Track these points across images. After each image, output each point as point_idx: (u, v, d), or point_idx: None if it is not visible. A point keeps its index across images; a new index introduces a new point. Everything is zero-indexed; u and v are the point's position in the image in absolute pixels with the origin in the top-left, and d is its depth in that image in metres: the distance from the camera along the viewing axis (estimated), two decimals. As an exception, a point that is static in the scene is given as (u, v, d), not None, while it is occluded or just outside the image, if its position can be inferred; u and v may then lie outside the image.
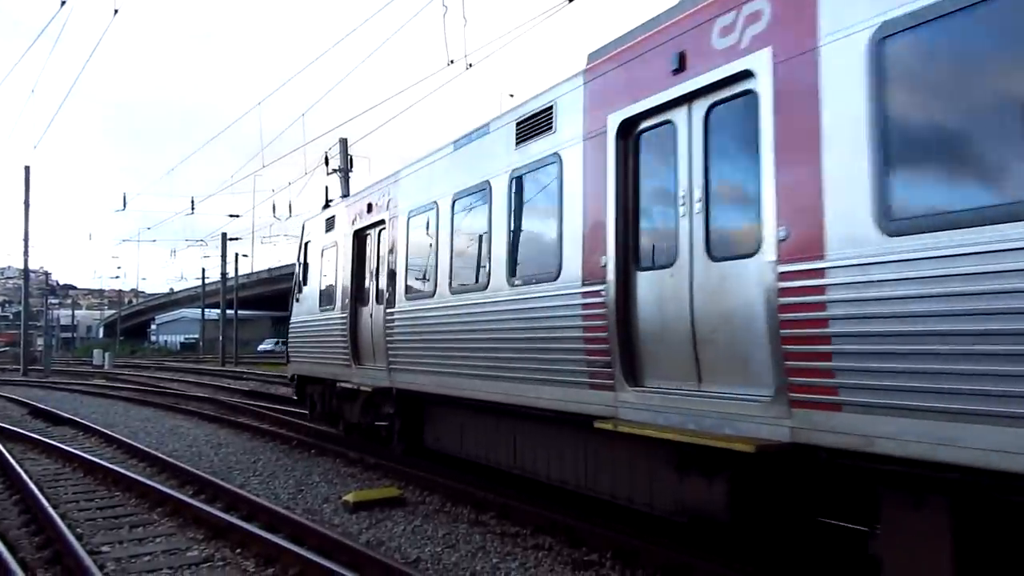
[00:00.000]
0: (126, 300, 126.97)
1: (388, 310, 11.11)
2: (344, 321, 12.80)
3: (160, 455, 12.94)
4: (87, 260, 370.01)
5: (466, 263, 9.31)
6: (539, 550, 7.64)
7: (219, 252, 57.62)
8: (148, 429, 17.60)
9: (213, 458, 13.56)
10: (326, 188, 18.23)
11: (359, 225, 12.63)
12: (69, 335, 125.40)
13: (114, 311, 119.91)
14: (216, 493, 10.12)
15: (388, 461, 11.77)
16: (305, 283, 15.11)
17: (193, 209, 41.34)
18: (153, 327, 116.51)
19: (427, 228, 10.23)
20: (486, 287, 8.66)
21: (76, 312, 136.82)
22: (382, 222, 11.74)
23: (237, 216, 66.15)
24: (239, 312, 63.16)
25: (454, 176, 9.62)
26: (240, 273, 64.86)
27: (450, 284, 9.52)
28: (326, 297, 13.88)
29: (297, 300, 15.44)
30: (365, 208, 12.48)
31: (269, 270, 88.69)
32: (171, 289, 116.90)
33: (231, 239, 58.15)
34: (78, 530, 8.51)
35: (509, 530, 8.36)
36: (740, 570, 6.29)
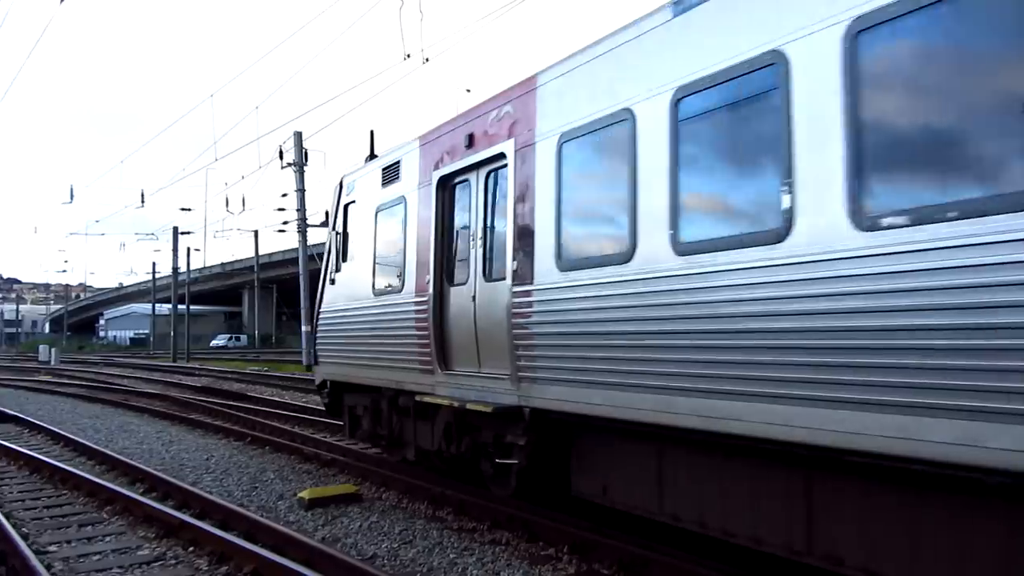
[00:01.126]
0: (74, 295, 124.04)
1: (520, 288, 7.43)
2: (422, 308, 9.03)
3: (109, 452, 12.66)
4: (33, 253, 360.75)
5: (716, 199, 5.78)
6: (496, 545, 7.64)
7: (171, 246, 56.55)
8: (97, 426, 17.22)
9: (164, 455, 13.31)
10: (371, 132, 12.29)
11: (449, 168, 8.86)
12: (13, 330, 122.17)
13: (61, 306, 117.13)
14: (168, 491, 9.93)
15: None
16: (344, 259, 11.25)
17: (143, 202, 40.54)
18: (102, 322, 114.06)
19: (609, 154, 6.57)
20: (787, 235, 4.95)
21: (21, 307, 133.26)
22: (498, 157, 8.10)
23: (189, 210, 65.00)
24: (191, 307, 62.07)
25: (674, 54, 5.91)
26: (192, 268, 63.72)
27: (674, 239, 5.80)
28: (385, 276, 10.11)
29: (332, 283, 11.59)
30: (462, 142, 8.72)
31: (222, 265, 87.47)
32: (120, 284, 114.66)
33: (183, 233, 57.07)
34: (24, 529, 8.29)
35: (466, 525, 8.35)
36: (697, 562, 6.36)
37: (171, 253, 56.30)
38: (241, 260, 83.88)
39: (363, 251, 10.83)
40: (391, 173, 10.24)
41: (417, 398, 9.07)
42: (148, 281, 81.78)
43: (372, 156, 11.75)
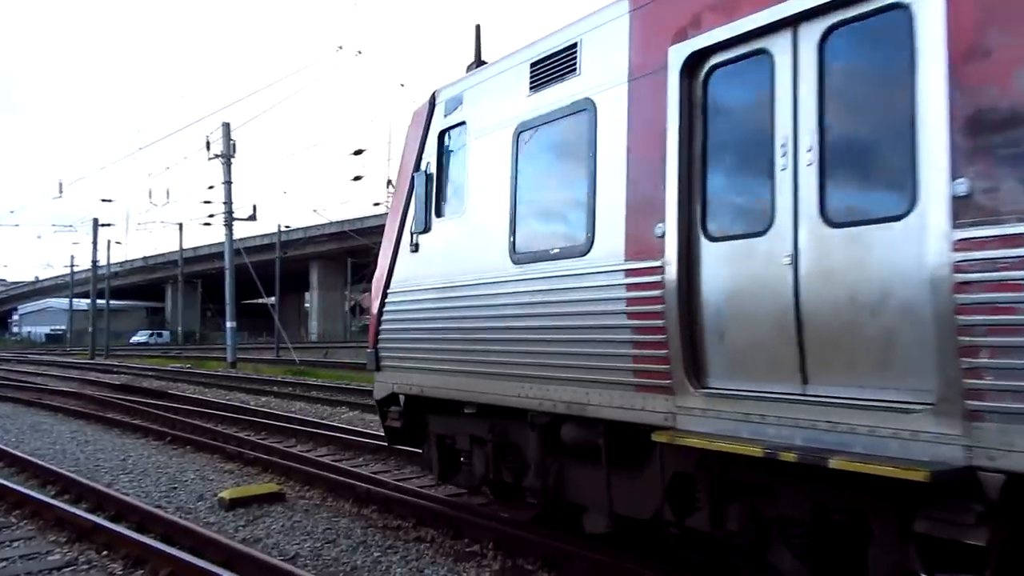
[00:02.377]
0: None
1: (979, 232, 3.90)
2: (643, 281, 5.58)
3: (19, 454, 12.15)
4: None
5: None
6: (421, 542, 7.62)
7: (90, 238, 54.66)
8: (7, 426, 16.53)
9: (79, 456, 12.86)
10: (477, 28, 8.69)
11: (718, 36, 5.20)
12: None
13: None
14: (81, 493, 9.60)
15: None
16: (440, 213, 7.79)
17: (61, 192, 39.07)
18: (15, 318, 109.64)
19: None
20: None
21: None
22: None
23: (110, 201, 62.93)
24: (112, 302, 60.14)
25: None
26: (113, 261, 61.71)
27: None
28: (540, 231, 6.66)
29: (414, 249, 8.00)
30: None
31: (145, 258, 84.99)
32: (36, 277, 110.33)
33: (103, 225, 55.26)
34: (-77, 536, 7.91)
35: (392, 523, 8.30)
36: (622, 557, 6.46)
37: (91, 246, 54.48)
38: (165, 254, 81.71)
39: (483, 197, 7.15)
40: (556, 66, 6.51)
41: (655, 436, 5.30)
42: (66, 275, 78.97)
43: (479, 63, 8.13)
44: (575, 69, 6.34)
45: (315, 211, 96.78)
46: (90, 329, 53.86)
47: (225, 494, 9.33)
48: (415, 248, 8.01)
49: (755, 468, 4.92)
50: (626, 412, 5.69)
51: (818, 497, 4.74)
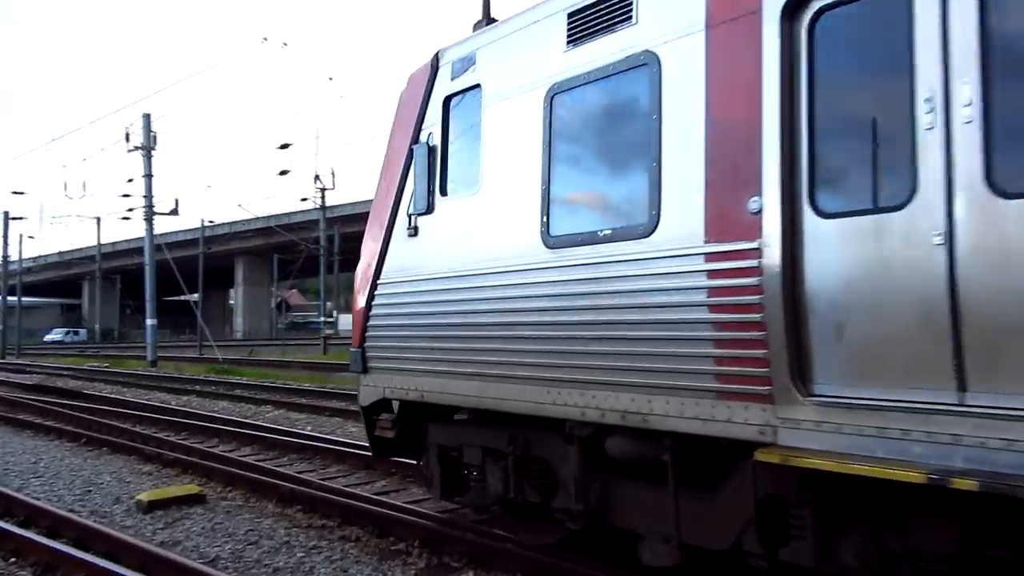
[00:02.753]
0: None
1: None
2: (728, 267, 4.64)
3: (-79, 458, 11.58)
4: None
5: None
6: (347, 541, 7.53)
7: (0, 232, 52.35)
8: (-92, 429, 15.72)
9: (-14, 459, 12.31)
10: None
11: None
12: None
13: None
14: (-12, 498, 9.19)
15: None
16: (444, 192, 6.75)
17: (-32, 185, 37.30)
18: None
19: None
20: None
21: None
22: None
23: (22, 193, 60.43)
24: (24, 299, 57.76)
25: None
26: (25, 256, 59.26)
27: None
28: (582, 209, 5.79)
29: (412, 234, 6.91)
30: None
31: (60, 253, 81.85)
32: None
33: (14, 219, 53.01)
34: None
35: (316, 522, 8.18)
36: (546, 552, 6.50)
37: (1, 240, 52.18)
38: (81, 249, 78.85)
39: (504, 171, 6.17)
40: (604, 15, 5.50)
41: (760, 456, 4.35)
42: (-27, 270, 75.53)
43: (489, 20, 7.49)
44: (630, 17, 5.32)
45: (240, 206, 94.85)
46: (1, 327, 51.63)
47: (143, 496, 9.06)
48: (414, 232, 6.89)
49: (878, 491, 4.12)
50: (704, 424, 4.69)
51: (971, 527, 3.93)
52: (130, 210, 44.25)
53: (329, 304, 57.98)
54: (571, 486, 5.82)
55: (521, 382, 5.83)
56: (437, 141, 6.83)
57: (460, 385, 6.35)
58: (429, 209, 6.78)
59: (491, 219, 6.23)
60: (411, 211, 6.95)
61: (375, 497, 8.61)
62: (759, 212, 4.47)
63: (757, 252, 4.44)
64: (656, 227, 4.97)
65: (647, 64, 5.15)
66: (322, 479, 9.83)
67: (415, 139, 7.02)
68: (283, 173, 45.41)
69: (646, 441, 5.18)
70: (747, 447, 4.50)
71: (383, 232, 7.27)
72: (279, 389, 21.86)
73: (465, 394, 6.35)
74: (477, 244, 6.29)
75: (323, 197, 47.79)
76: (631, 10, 5.32)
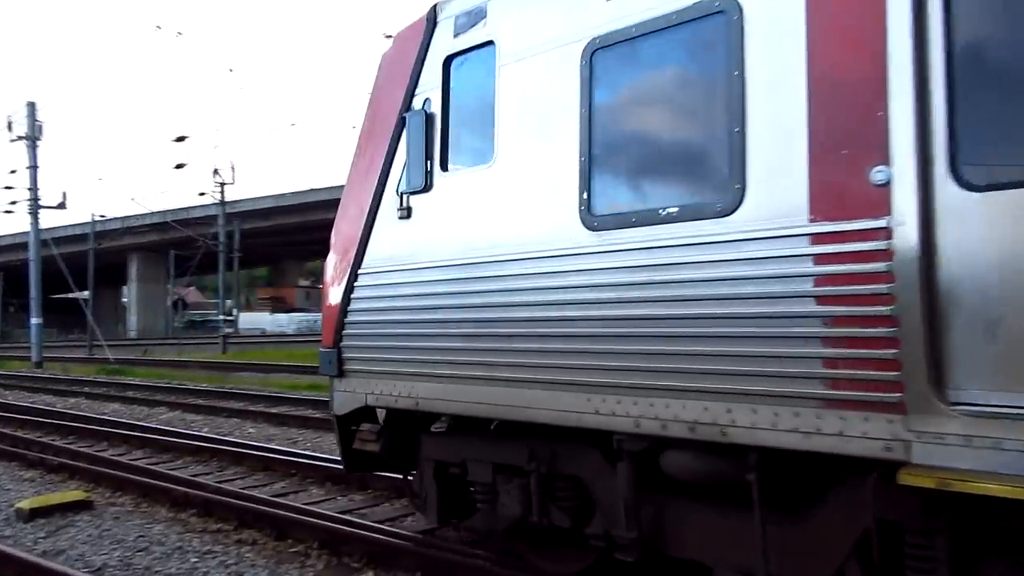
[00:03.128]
0: None
1: None
2: (867, 251, 3.78)
3: None
4: None
5: None
6: (243, 545, 7.33)
7: None
8: None
9: None
10: None
11: None
12: None
13: None
14: None
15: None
16: (445, 166, 5.89)
17: None
18: None
19: None
20: None
21: None
22: None
23: None
24: None
25: None
26: None
27: None
28: (632, 182, 4.95)
29: (404, 216, 6.03)
30: None
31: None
32: None
33: None
34: None
35: (211, 527, 7.93)
36: (449, 550, 6.48)
37: None
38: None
39: (527, 140, 5.31)
40: None
41: (907, 478, 3.62)
42: None
43: None
44: None
45: (134, 200, 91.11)
46: None
47: (24, 504, 8.60)
48: (405, 214, 5.98)
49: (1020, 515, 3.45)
50: (806, 439, 3.92)
51: None
52: (13, 203, 41.93)
53: (229, 302, 56.42)
54: (616, 509, 4.99)
55: (551, 388, 4.94)
56: (436, 108, 5.91)
57: (468, 391, 5.46)
58: (427, 186, 5.88)
59: (509, 197, 5.32)
60: (403, 189, 6.02)
61: (273, 499, 8.42)
62: (887, 184, 3.73)
63: (886, 232, 3.69)
64: (740, 204, 4.17)
65: (724, 12, 4.33)
66: (218, 482, 9.55)
67: (406, 106, 6.09)
68: (179, 167, 44.15)
69: (721, 457, 4.38)
70: (856, 464, 3.87)
71: (364, 215, 6.31)
72: (175, 390, 21.14)
73: (475, 401, 5.42)
74: (491, 227, 5.40)
75: (222, 192, 46.48)
76: None
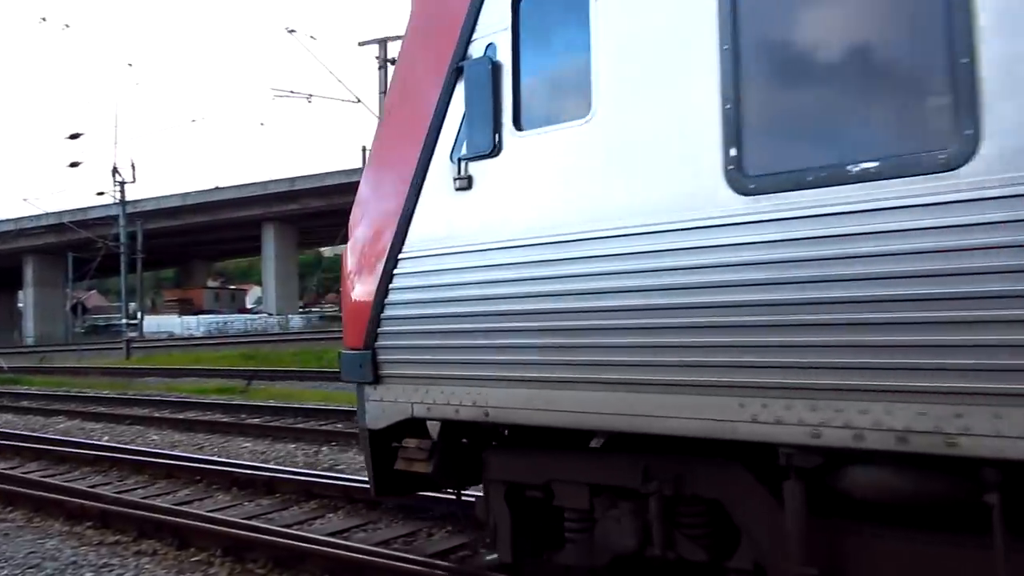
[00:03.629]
0: None
1: None
2: None
3: None
4: None
5: None
6: (142, 556, 7.06)
7: None
8: None
9: None
10: None
11: None
12: None
13: None
14: None
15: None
16: (520, 125, 4.78)
17: None
18: None
19: None
20: None
21: None
22: None
23: None
24: None
25: None
26: None
27: None
28: (841, 136, 3.72)
29: (463, 186, 4.95)
30: None
31: None
32: None
33: None
34: None
35: (109, 539, 7.60)
36: (357, 550, 6.39)
37: None
38: None
39: (643, 88, 4.26)
40: None
41: None
42: None
43: None
44: None
45: (26, 200, 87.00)
46: None
47: (-98, 525, 8.09)
48: (464, 184, 4.95)
49: None
50: None
51: None
52: None
53: (133, 305, 54.45)
54: (774, 538, 4.08)
55: (687, 392, 4.01)
56: (504, 54, 4.84)
57: (563, 398, 4.47)
58: (495, 150, 4.83)
59: (616, 158, 4.34)
60: (463, 155, 4.97)
61: (175, 507, 8.15)
62: None
63: None
64: (972, 155, 3.29)
65: None
66: (117, 492, 9.21)
67: (461, 54, 5.02)
68: (74, 165, 42.41)
69: (939, 474, 3.59)
70: None
71: (404, 189, 5.25)
72: (74, 398, 20.27)
73: (574, 410, 4.44)
74: (592, 196, 4.41)
75: (122, 191, 44.80)
76: None
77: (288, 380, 23.56)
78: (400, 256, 5.23)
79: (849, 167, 3.57)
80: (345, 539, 6.97)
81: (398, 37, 23.52)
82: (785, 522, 3.94)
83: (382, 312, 5.31)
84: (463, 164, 4.96)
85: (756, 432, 3.81)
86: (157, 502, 8.55)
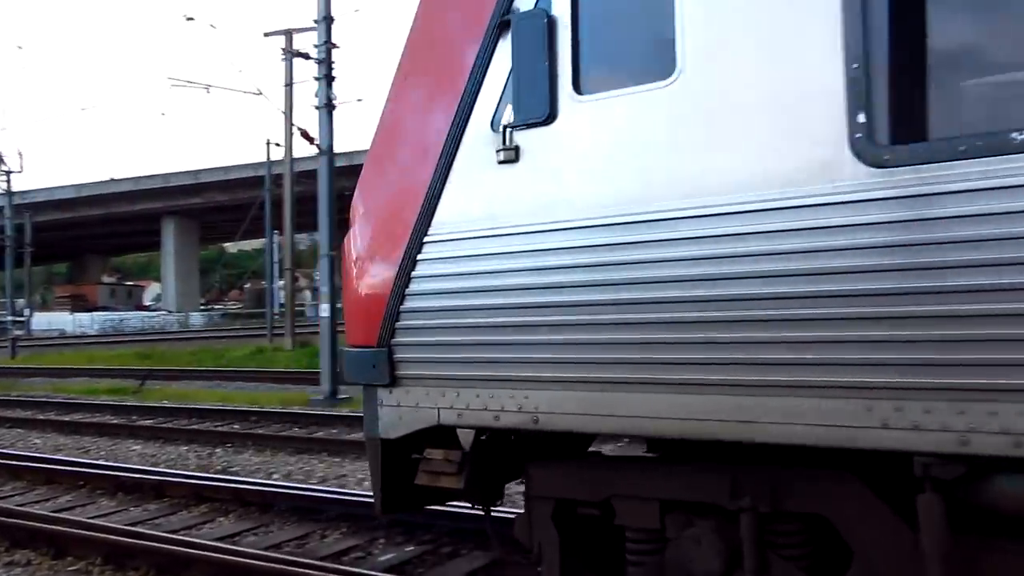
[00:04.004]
0: None
1: None
2: None
3: None
4: None
5: None
6: (14, 568, 6.70)
7: None
8: None
9: None
10: None
11: None
12: None
13: None
14: None
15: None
16: (580, 88, 4.13)
17: None
18: None
19: None
20: None
21: None
22: None
23: None
24: None
25: None
26: None
27: None
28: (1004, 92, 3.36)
29: (508, 158, 4.27)
30: None
31: None
32: None
33: None
34: None
35: (-24, 551, 7.20)
36: (245, 554, 6.24)
37: None
38: None
39: (737, 45, 3.67)
40: None
41: None
42: None
43: None
44: None
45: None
46: None
47: None
48: (511, 156, 4.31)
49: None
50: None
51: None
52: None
53: (21, 301, 51.80)
54: (898, 560, 3.61)
55: (795, 394, 3.51)
56: (560, 6, 4.23)
57: (629, 402, 3.92)
58: (550, 116, 4.23)
59: (710, 125, 3.78)
60: (509, 122, 4.33)
61: (53, 515, 7.75)
62: None
63: None
64: None
65: None
66: (-10, 499, 8.71)
67: (505, 7, 4.40)
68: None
69: None
70: None
71: (430, 162, 4.61)
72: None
73: (645, 415, 3.88)
74: (676, 169, 3.84)
75: (8, 181, 42.61)
76: None
77: (185, 380, 22.80)
78: (426, 240, 4.53)
79: (1013, 136, 3.06)
80: (234, 543, 6.81)
81: (306, 28, 22.99)
82: (916, 541, 3.44)
83: (402, 304, 4.61)
84: (508, 133, 4.31)
85: (887, 439, 3.31)
86: (34, 509, 8.14)
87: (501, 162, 4.31)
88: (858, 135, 3.35)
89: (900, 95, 3.44)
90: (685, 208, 3.73)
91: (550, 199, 4.15)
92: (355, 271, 4.88)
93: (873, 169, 3.32)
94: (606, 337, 3.96)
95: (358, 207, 4.97)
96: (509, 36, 4.32)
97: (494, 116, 4.38)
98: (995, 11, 3.34)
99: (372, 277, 4.79)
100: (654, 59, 3.96)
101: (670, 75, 3.85)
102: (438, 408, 4.52)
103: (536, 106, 4.20)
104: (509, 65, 4.32)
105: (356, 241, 4.90)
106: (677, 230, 3.76)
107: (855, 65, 3.38)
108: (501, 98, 4.38)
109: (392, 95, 4.92)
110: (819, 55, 3.47)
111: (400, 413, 4.64)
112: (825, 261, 3.40)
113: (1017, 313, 3.02)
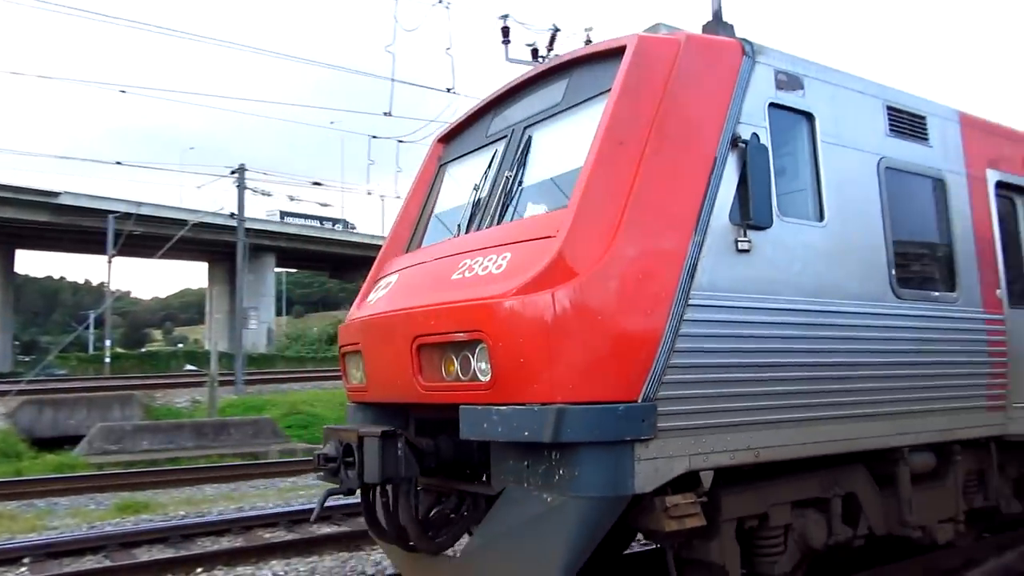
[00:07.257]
0: None
1: None
2: None
3: None
4: None
5: None
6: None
7: None
8: None
9: None
10: None
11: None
12: None
13: None
14: None
15: None
16: (782, 211, 5.80)
17: None
18: None
19: None
20: None
21: None
22: None
23: None
24: None
25: None
26: None
27: None
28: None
29: (743, 249, 5.41)
30: None
31: None
32: None
33: None
34: None
35: None
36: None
37: None
38: None
39: (851, 210, 6.13)
40: (910, 126, 6.88)
41: None
42: None
43: (720, 22, 6.21)
44: (927, 139, 6.93)
45: None
46: None
47: None
48: (747, 247, 5.32)
49: None
50: None
51: None
52: None
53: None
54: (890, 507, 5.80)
55: (879, 418, 5.83)
56: (766, 143, 5.56)
57: (820, 430, 5.63)
58: (769, 225, 5.44)
59: (844, 257, 5.97)
60: (743, 221, 5.34)
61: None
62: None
63: None
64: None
65: (939, 183, 7.08)
66: None
67: (730, 130, 5.45)
68: None
69: None
70: None
71: (684, 234, 5.13)
72: None
73: (827, 439, 5.72)
74: (831, 278, 5.83)
75: None
76: (926, 134, 6.99)
77: None
78: (690, 303, 5.00)
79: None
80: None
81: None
82: (885, 496, 6.44)
83: (669, 359, 4.88)
84: (743, 230, 5.31)
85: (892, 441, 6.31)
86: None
87: (740, 250, 5.31)
88: (892, 279, 6.22)
89: (908, 260, 6.47)
90: (833, 303, 5.79)
91: (772, 283, 5.46)
92: (596, 323, 4.73)
93: (898, 300, 6.20)
94: (807, 387, 5.52)
95: (585, 264, 4.81)
96: (739, 154, 5.38)
97: (730, 210, 5.34)
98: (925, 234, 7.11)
99: (629, 329, 4.83)
100: (815, 204, 5.96)
101: (823, 219, 5.92)
102: (689, 455, 4.91)
103: (764, 217, 5.33)
104: (737, 174, 5.38)
105: (587, 292, 4.73)
106: (831, 318, 5.75)
107: (891, 240, 6.26)
108: (735, 199, 5.36)
109: (601, 157, 5.05)
110: (878, 225, 6.24)
111: (656, 466, 4.79)
112: (882, 345, 6.00)
113: None
